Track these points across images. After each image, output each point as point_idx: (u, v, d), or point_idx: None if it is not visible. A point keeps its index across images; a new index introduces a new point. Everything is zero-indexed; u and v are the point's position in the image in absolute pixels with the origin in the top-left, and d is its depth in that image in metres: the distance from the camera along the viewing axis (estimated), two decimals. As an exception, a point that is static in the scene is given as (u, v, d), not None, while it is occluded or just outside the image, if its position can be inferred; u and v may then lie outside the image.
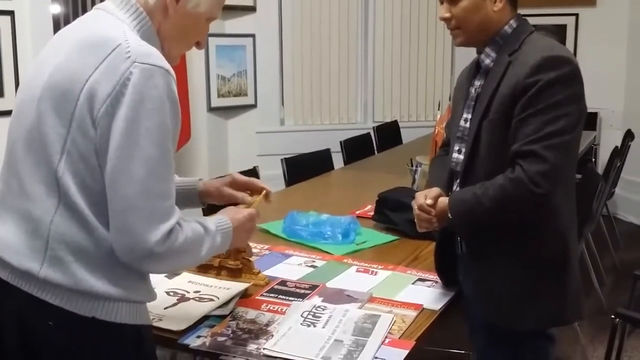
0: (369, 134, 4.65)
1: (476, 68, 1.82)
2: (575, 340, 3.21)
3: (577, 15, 5.55)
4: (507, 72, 1.68)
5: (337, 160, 4.07)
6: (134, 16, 1.34)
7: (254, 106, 5.33)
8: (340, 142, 4.20)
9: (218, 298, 1.77)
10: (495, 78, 1.70)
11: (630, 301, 2.78)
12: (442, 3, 1.77)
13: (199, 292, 1.82)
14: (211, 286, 1.86)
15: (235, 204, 1.67)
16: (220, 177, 1.79)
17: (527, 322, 1.74)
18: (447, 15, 1.75)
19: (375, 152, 4.58)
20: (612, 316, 2.11)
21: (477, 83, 1.79)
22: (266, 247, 2.26)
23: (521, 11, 6.48)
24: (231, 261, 1.91)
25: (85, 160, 1.24)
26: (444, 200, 1.75)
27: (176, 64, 1.44)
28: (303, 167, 3.59)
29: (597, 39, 5.50)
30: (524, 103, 1.62)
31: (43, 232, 1.26)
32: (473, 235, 1.77)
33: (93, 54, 1.25)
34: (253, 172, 3.24)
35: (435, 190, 1.79)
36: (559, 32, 5.59)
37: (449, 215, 1.72)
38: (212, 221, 1.41)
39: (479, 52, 1.80)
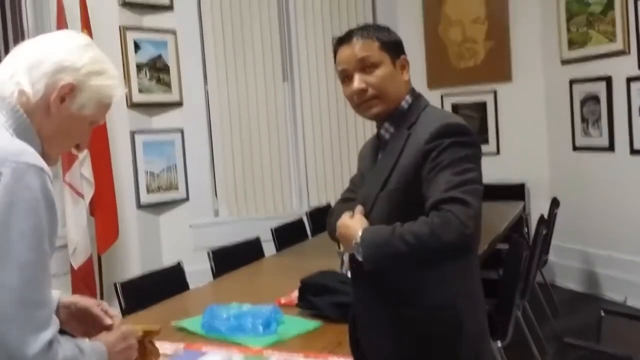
0: (301, 219, 4.63)
1: (378, 141, 1.80)
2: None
3: (495, 91, 5.75)
4: (407, 144, 1.66)
5: (270, 248, 4.01)
6: (9, 114, 1.30)
7: (186, 200, 5.28)
8: (271, 229, 4.14)
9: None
10: (395, 151, 1.68)
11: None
12: (350, 79, 1.71)
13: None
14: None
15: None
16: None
17: None
18: (363, 86, 1.69)
19: (309, 237, 4.55)
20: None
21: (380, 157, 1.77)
22: (182, 345, 2.17)
23: (441, 91, 6.69)
24: (138, 365, 1.81)
25: None
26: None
27: (55, 164, 1.40)
28: (232, 259, 3.51)
29: (517, 112, 5.69)
30: (430, 165, 1.58)
31: None
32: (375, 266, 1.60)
33: None
34: (177, 268, 3.16)
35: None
36: (480, 109, 5.79)
37: (358, 237, 1.59)
38: (86, 344, 1.33)
39: (379, 127, 1.79)
